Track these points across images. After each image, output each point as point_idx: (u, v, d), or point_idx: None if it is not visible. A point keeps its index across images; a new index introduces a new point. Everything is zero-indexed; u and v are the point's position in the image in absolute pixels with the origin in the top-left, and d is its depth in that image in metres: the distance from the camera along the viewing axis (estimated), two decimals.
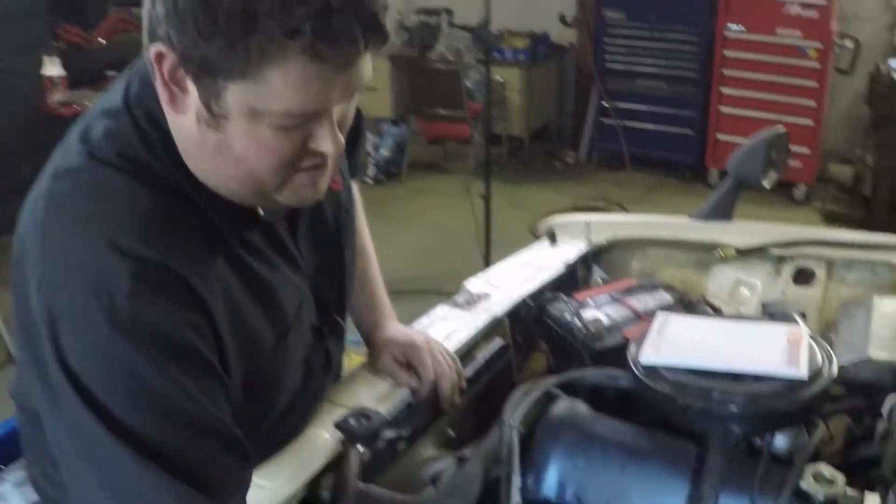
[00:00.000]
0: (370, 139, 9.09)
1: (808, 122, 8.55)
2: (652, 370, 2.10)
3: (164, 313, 1.46)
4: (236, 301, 1.64)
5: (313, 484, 1.93)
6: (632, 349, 2.21)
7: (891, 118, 8.03)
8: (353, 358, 2.37)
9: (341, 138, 1.58)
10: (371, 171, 9.20)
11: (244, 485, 1.59)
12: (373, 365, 2.32)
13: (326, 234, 1.98)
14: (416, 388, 2.25)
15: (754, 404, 2.00)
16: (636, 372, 2.12)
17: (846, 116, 9.42)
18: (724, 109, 9.22)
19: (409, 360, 2.27)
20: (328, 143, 1.54)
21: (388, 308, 2.41)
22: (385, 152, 9.59)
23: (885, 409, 2.24)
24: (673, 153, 9.76)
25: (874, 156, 8.43)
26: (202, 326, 1.53)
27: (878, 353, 2.48)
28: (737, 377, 2.06)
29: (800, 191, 9.05)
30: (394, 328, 2.37)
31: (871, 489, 1.97)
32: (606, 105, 9.89)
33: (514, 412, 2.08)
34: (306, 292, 1.89)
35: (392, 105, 10.00)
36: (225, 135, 1.49)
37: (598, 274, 3.22)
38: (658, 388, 2.05)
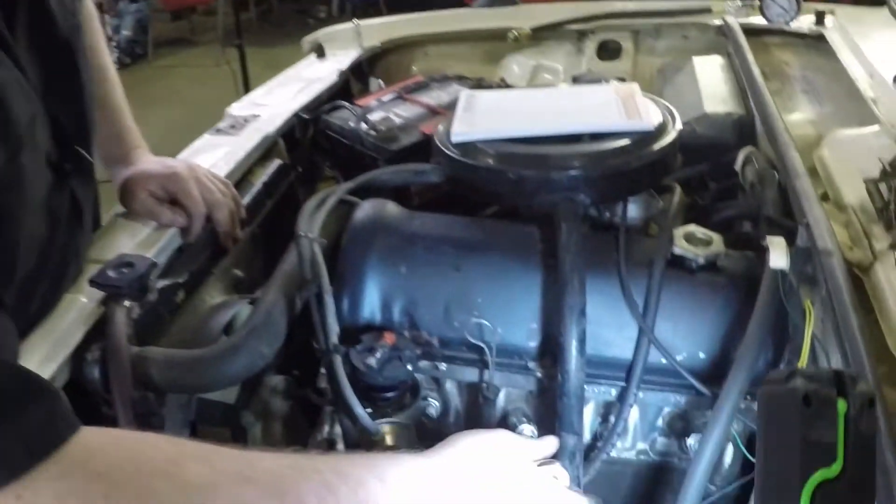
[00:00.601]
0: (108, 21, 8.44)
1: None
2: (469, 147, 1.72)
3: None
4: None
5: (76, 360, 1.49)
6: (439, 132, 1.83)
7: None
8: None
9: None
10: (114, 55, 8.50)
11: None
12: (128, 209, 1.87)
13: (53, 38, 1.52)
14: (184, 226, 1.82)
15: (600, 164, 1.66)
16: (450, 154, 1.73)
17: None
18: None
19: (171, 195, 1.85)
20: None
21: (138, 138, 1.98)
22: (126, 32, 8.94)
23: (738, 164, 1.97)
24: None
25: None
26: None
27: (714, 107, 2.24)
28: (573, 139, 1.71)
29: None
30: (148, 160, 1.94)
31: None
32: None
33: (310, 224, 1.67)
34: (38, 105, 1.44)
35: None
36: None
37: (375, 85, 2.81)
38: (481, 164, 1.67)
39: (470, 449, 1.30)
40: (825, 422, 0.94)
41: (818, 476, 0.93)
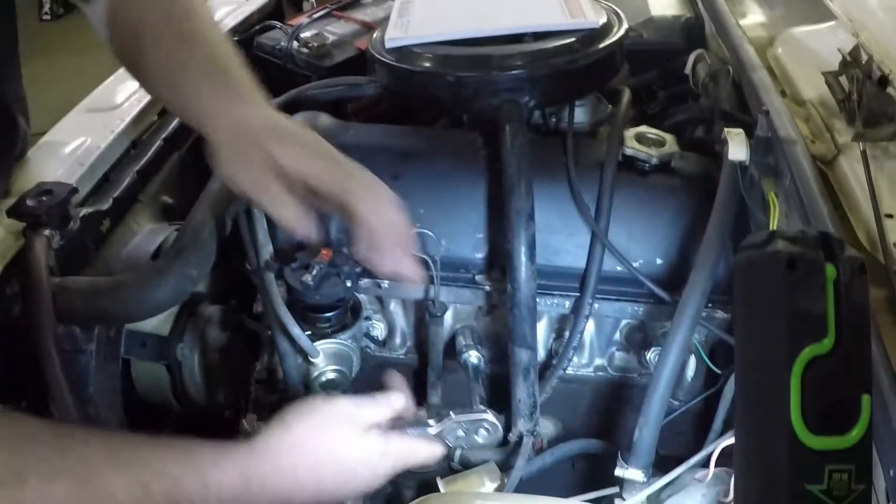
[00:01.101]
0: None
1: None
2: (405, 52, 1.63)
3: None
4: None
5: None
6: (374, 39, 1.73)
7: None
8: None
9: None
10: (47, 5, 8.26)
11: None
12: (245, 187, 1.28)
13: None
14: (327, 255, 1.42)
15: (544, 64, 1.56)
16: (385, 60, 1.64)
17: None
18: None
19: (320, 191, 1.29)
20: None
21: (247, 82, 1.39)
22: None
23: (689, 67, 1.90)
24: None
25: None
26: None
27: (661, 10, 2.15)
28: (514, 39, 1.62)
29: None
30: (269, 113, 1.36)
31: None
32: None
33: None
34: None
35: None
36: None
37: (309, 7, 2.69)
38: (417, 68, 1.57)
39: (301, 434, 1.19)
40: (813, 289, 0.84)
41: (808, 352, 0.84)
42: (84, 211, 1.56)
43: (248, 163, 1.26)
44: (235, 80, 1.36)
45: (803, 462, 0.83)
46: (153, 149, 1.80)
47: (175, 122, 1.89)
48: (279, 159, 1.24)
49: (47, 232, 1.45)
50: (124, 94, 1.90)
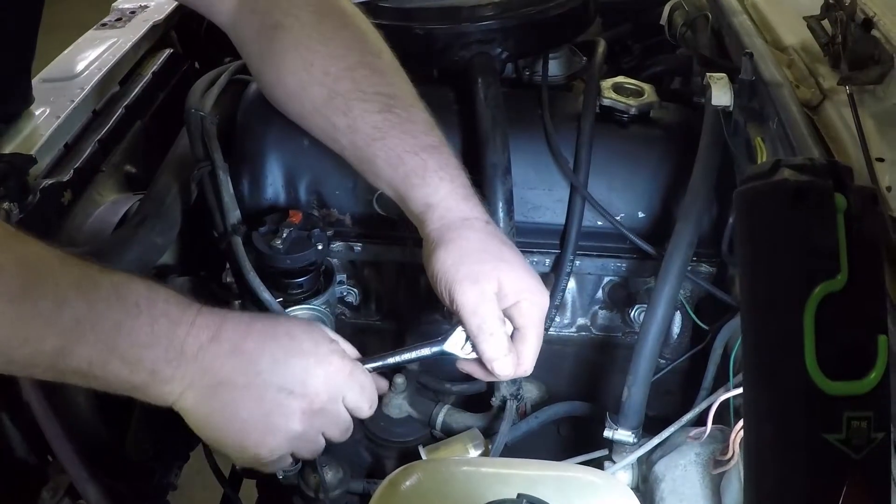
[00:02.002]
0: None
1: None
2: (371, 6, 1.58)
3: None
4: None
5: None
6: None
7: None
8: None
9: None
10: None
11: None
12: (462, 305, 1.16)
13: None
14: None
15: (516, 14, 1.52)
16: None
17: None
18: None
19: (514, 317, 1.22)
20: None
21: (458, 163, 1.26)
22: None
23: (664, 17, 1.88)
24: None
25: None
26: None
27: None
28: None
29: None
30: (486, 217, 1.24)
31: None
32: None
33: (201, 101, 1.51)
34: None
35: None
36: None
37: None
38: (385, 22, 1.52)
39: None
40: (823, 221, 0.78)
41: (822, 289, 0.77)
42: (44, 182, 1.50)
43: (473, 282, 1.15)
44: (451, 161, 1.23)
45: (820, 409, 0.77)
46: (115, 118, 1.75)
47: (137, 90, 1.83)
48: (505, 286, 1.17)
49: (5, 205, 1.39)
50: (83, 63, 1.84)
